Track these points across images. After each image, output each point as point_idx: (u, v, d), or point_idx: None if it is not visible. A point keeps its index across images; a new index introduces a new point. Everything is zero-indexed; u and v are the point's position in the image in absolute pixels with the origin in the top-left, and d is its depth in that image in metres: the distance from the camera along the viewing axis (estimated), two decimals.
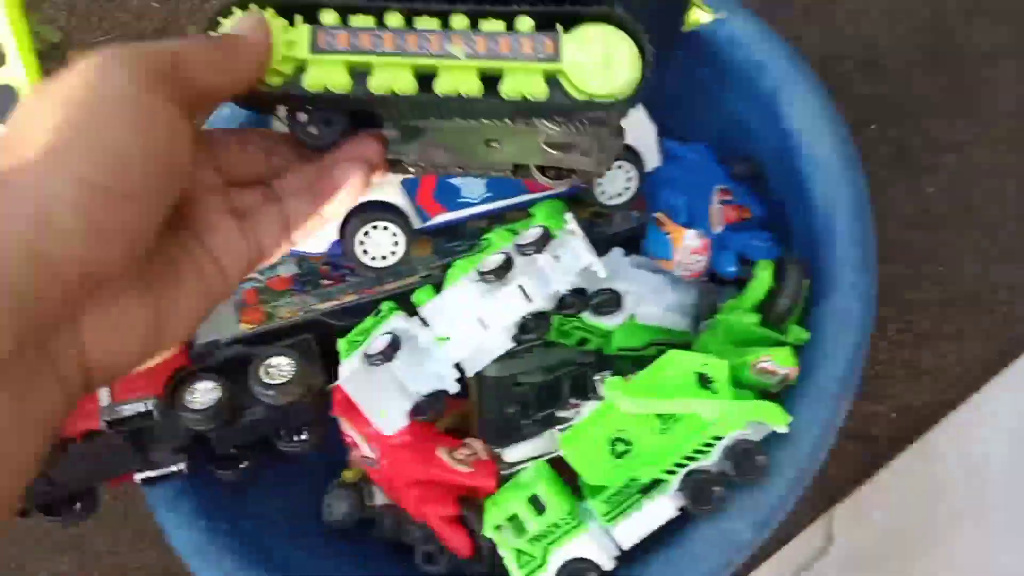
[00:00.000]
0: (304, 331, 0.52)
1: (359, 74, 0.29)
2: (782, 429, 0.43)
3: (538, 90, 0.28)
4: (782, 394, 0.45)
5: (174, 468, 0.51)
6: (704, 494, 0.42)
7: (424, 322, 0.43)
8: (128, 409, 0.49)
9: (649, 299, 0.49)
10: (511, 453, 0.48)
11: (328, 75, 0.28)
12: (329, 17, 0.29)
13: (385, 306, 0.48)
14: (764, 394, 0.45)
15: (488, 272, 0.40)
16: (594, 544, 0.42)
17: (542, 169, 0.34)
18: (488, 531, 0.45)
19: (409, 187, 0.45)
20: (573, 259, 0.42)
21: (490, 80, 0.29)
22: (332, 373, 0.49)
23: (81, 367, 0.24)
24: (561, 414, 0.48)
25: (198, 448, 0.51)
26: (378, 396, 0.43)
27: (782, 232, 0.54)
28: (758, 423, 0.43)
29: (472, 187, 0.46)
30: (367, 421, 0.45)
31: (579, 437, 0.44)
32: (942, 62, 0.74)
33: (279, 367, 0.50)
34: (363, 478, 0.53)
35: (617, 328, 0.49)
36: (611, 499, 0.43)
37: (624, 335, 0.49)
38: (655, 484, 0.43)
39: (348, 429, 0.51)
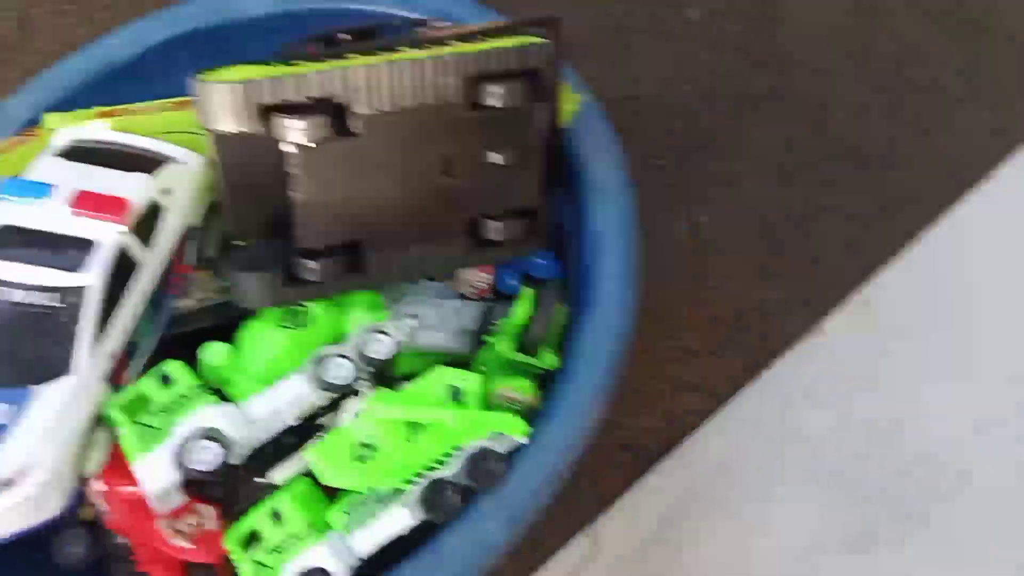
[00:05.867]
0: None
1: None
2: (522, 439, 0.44)
3: None
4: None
5: None
6: (437, 502, 0.43)
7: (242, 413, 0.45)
8: None
9: (434, 326, 0.53)
10: (277, 474, 0.47)
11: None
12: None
13: (183, 383, 0.45)
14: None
15: (332, 383, 0.46)
16: (329, 553, 0.42)
17: None
18: (228, 544, 0.44)
19: None
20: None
21: None
22: None
23: None
24: (322, 420, 0.49)
25: None
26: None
27: (567, 251, 0.57)
28: (502, 435, 0.44)
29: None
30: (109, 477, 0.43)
31: (327, 441, 0.44)
32: (720, 104, 0.80)
33: None
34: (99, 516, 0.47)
35: (400, 356, 0.50)
36: (350, 509, 0.43)
37: (407, 362, 0.52)
38: (396, 494, 0.44)
39: None
